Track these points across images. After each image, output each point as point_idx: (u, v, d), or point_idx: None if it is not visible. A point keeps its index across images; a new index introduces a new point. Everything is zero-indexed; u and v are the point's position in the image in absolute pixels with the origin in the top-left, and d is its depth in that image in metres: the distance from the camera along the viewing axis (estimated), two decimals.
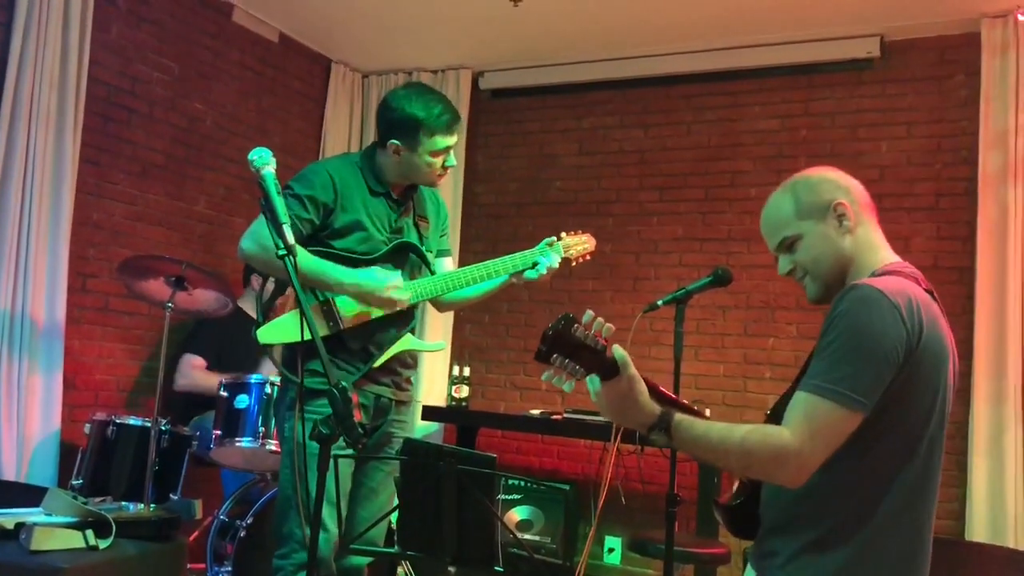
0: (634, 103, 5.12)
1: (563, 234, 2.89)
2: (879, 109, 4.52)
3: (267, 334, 2.60)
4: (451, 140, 2.69)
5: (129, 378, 4.30)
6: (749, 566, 1.81)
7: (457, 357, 5.21)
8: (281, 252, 1.96)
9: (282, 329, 2.60)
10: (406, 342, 2.74)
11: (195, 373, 4.04)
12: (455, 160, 2.78)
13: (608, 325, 1.63)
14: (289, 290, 2.61)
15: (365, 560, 2.77)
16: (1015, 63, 4.10)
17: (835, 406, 1.53)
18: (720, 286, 2.72)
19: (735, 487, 1.89)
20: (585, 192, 5.20)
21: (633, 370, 1.63)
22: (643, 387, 1.65)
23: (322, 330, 2.59)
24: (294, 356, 2.49)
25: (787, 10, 4.36)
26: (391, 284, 2.61)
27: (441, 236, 2.95)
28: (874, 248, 1.75)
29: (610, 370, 1.63)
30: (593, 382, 1.65)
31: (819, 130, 4.65)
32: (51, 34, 3.73)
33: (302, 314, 1.94)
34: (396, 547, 2.39)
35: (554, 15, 4.59)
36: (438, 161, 2.70)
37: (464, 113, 5.32)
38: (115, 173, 4.21)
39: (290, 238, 1.98)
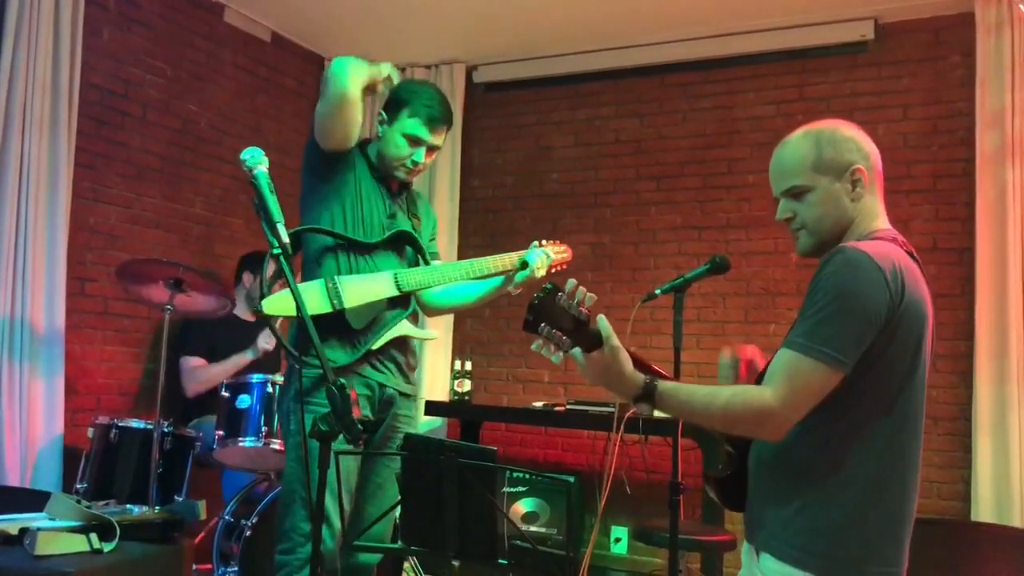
0: (629, 93, 5.11)
1: (543, 242, 2.88)
2: (874, 92, 4.51)
3: (272, 306, 2.57)
4: (424, 131, 2.71)
5: (130, 381, 4.31)
6: (746, 541, 1.82)
7: (459, 352, 5.20)
8: (276, 251, 1.97)
9: (286, 302, 2.55)
10: (401, 327, 2.73)
11: (201, 370, 4.05)
12: (423, 157, 2.75)
13: (590, 295, 1.66)
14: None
15: (375, 558, 2.76)
16: (1010, 42, 4.08)
17: (817, 364, 1.58)
18: (718, 274, 2.71)
19: (722, 459, 1.91)
20: (582, 184, 5.19)
21: (616, 341, 1.68)
22: (627, 357, 1.69)
23: (325, 307, 2.60)
24: (302, 340, 2.51)
25: None
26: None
27: (431, 240, 2.95)
28: (873, 216, 1.78)
29: (593, 341, 1.67)
30: (577, 353, 1.69)
31: (815, 115, 4.56)
32: (42, 39, 3.72)
33: (299, 316, 1.95)
34: (399, 542, 2.38)
35: (546, 7, 4.57)
36: (407, 147, 2.71)
37: (458, 107, 5.31)
38: (110, 177, 4.21)
39: (284, 237, 1.98)
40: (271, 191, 2.05)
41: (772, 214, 5.07)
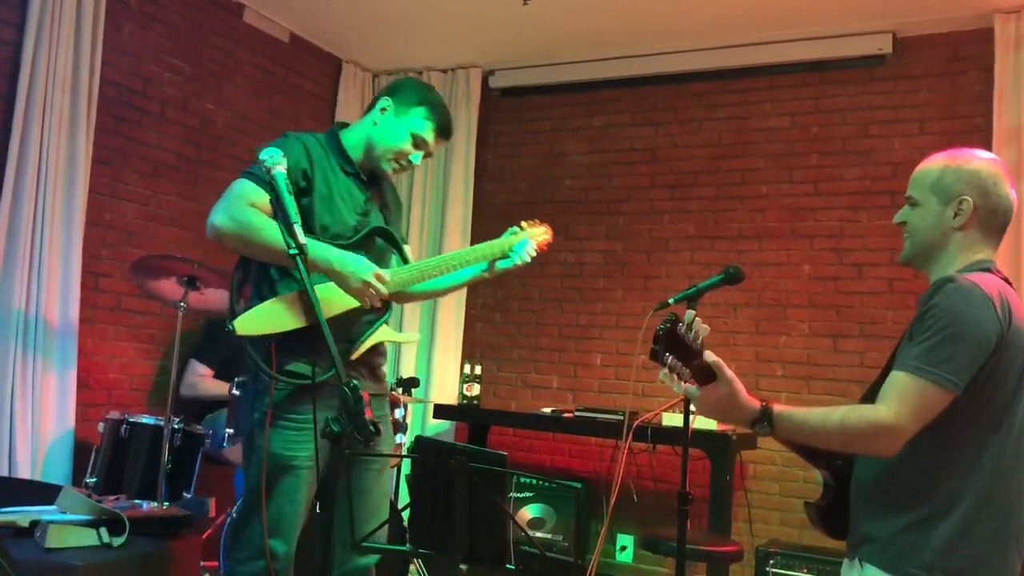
0: (644, 101, 5.11)
1: (523, 223, 2.81)
2: (891, 106, 4.50)
3: (245, 324, 2.36)
4: (432, 137, 2.62)
5: (142, 377, 4.33)
6: (845, 561, 1.88)
7: (468, 355, 5.21)
8: (293, 251, 1.97)
9: (260, 319, 2.38)
10: (382, 333, 2.59)
11: (200, 382, 4.07)
12: (419, 160, 2.65)
13: (704, 326, 1.69)
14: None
15: (374, 559, 2.72)
16: None
17: (929, 384, 1.67)
18: (731, 284, 2.71)
19: (821, 488, 1.99)
20: (596, 190, 5.19)
21: (729, 372, 1.75)
22: (740, 386, 1.76)
23: (301, 321, 2.40)
24: (268, 353, 2.35)
25: (798, 7, 4.35)
26: (376, 271, 2.46)
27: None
28: (975, 250, 1.87)
29: (705, 373, 1.72)
30: (692, 389, 1.75)
31: (830, 127, 4.63)
32: (63, 35, 3.76)
33: (316, 317, 1.95)
34: (408, 545, 2.39)
35: (564, 14, 4.58)
36: (410, 144, 2.60)
37: (474, 112, 5.34)
38: (127, 173, 4.23)
39: (301, 238, 1.98)
40: (289, 192, 2.06)
41: (785, 226, 5.06)
